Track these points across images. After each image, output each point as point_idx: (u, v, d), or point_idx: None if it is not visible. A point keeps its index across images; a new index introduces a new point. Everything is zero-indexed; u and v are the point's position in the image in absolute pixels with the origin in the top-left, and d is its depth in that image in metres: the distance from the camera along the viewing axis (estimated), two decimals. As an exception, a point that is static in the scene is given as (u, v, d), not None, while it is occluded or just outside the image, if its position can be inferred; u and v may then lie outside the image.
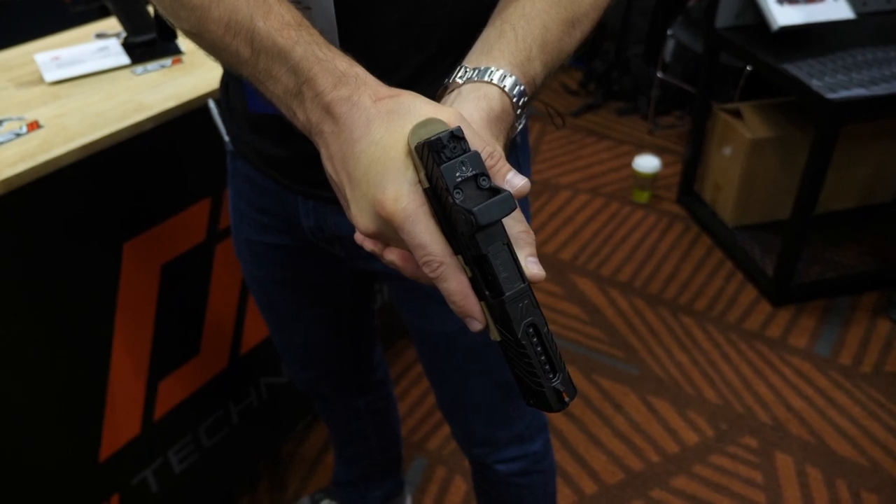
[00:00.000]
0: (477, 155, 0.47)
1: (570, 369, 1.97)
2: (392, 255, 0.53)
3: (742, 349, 2.03)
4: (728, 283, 2.28)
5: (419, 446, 1.78)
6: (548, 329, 0.49)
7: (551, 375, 0.49)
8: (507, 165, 0.52)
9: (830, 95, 1.78)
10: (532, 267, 0.50)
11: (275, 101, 0.56)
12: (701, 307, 2.19)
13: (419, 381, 1.95)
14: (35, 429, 1.15)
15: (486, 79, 0.57)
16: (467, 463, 1.60)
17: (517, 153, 0.86)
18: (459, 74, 0.59)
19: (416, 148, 0.48)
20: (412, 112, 0.50)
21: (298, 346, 1.15)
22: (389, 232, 0.50)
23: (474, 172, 0.47)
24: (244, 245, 0.99)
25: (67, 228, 1.10)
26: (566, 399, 0.49)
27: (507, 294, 0.48)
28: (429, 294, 0.89)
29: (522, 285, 0.48)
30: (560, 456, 1.74)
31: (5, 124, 1.11)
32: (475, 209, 0.45)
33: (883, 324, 2.09)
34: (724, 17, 2.19)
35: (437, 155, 0.46)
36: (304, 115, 0.53)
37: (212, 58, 0.59)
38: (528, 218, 0.92)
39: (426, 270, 0.49)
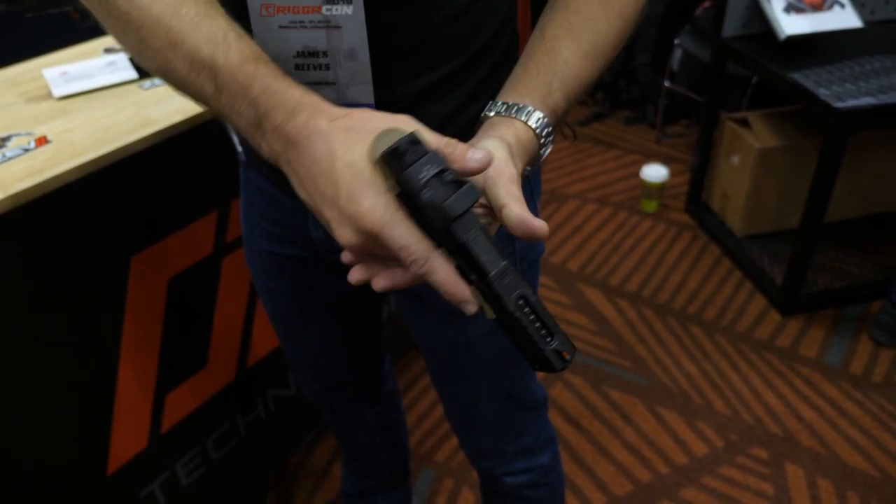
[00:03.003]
0: (435, 153, 0.51)
1: (578, 380, 1.97)
2: (382, 282, 0.56)
3: (752, 359, 2.02)
4: (737, 293, 2.27)
5: (427, 458, 1.77)
6: (537, 297, 0.52)
7: (549, 339, 0.52)
8: (462, 145, 0.54)
9: (838, 104, 1.78)
10: (532, 223, 0.53)
11: (242, 133, 0.58)
12: (710, 317, 2.18)
13: (427, 392, 1.95)
14: (42, 442, 1.15)
15: (513, 114, 0.64)
16: (475, 474, 1.59)
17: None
18: (491, 108, 0.65)
19: (379, 158, 0.51)
20: (368, 125, 0.53)
21: (308, 356, 1.15)
22: (372, 243, 0.52)
23: (437, 169, 0.50)
24: (255, 255, 0.99)
25: (75, 243, 1.10)
26: (567, 357, 0.53)
27: (491, 274, 0.51)
28: (435, 306, 0.89)
29: (504, 263, 0.52)
30: (568, 467, 1.73)
31: (14, 139, 1.11)
32: (444, 203, 0.49)
33: (894, 333, 2.07)
34: (731, 26, 2.19)
35: (400, 161, 0.50)
36: (267, 146, 0.56)
37: (180, 94, 0.61)
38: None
39: (414, 269, 0.52)
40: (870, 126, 2.19)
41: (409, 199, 0.51)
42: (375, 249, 0.53)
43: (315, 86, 0.67)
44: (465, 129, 0.75)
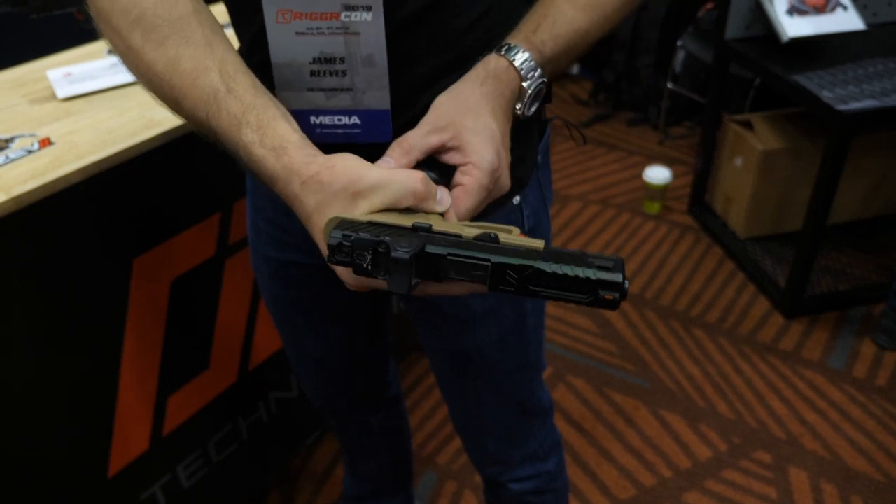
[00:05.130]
0: (364, 236, 0.53)
1: (581, 382, 1.97)
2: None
3: (755, 362, 2.02)
4: (740, 295, 2.27)
5: (429, 461, 1.77)
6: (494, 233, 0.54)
7: (592, 266, 0.52)
8: (434, 189, 0.58)
9: (841, 107, 1.77)
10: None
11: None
12: (713, 319, 2.18)
13: (429, 394, 1.95)
14: (44, 444, 1.15)
15: (493, 52, 0.68)
16: (478, 478, 1.59)
17: (538, 172, 0.86)
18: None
19: (329, 260, 0.55)
20: (332, 189, 0.57)
21: (313, 362, 1.14)
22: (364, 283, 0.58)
23: (371, 251, 0.52)
24: (261, 260, 0.99)
25: (78, 244, 1.10)
26: (612, 265, 0.52)
27: (493, 260, 0.52)
28: (444, 313, 0.89)
29: (463, 237, 0.54)
30: (571, 471, 1.73)
31: (17, 141, 1.11)
32: (393, 284, 0.52)
33: (897, 336, 2.07)
34: (734, 28, 2.19)
35: (343, 256, 0.53)
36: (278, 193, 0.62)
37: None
38: (549, 235, 0.93)
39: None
40: (872, 128, 2.19)
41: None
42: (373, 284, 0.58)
43: (331, 92, 0.68)
44: None
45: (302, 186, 0.57)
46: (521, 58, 0.67)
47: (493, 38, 0.72)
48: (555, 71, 0.72)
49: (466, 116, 0.63)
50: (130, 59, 0.63)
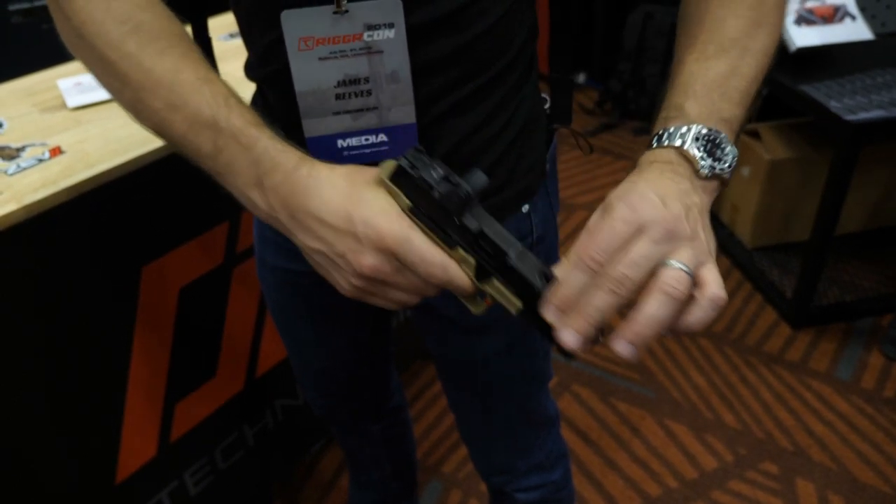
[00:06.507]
0: (438, 161, 0.55)
1: (586, 392, 1.97)
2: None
3: (762, 372, 2.01)
4: (747, 305, 2.26)
5: (434, 469, 1.77)
6: (552, 273, 0.54)
7: None
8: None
9: (849, 117, 1.77)
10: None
11: (235, 193, 0.63)
12: (719, 329, 2.17)
13: (434, 403, 1.95)
14: (51, 452, 1.15)
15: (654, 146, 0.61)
16: (483, 487, 1.58)
17: (546, 183, 0.86)
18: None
19: (390, 178, 0.56)
20: (362, 170, 0.58)
21: (317, 371, 1.15)
22: (390, 263, 0.56)
23: (443, 173, 0.54)
24: (268, 271, 0.99)
25: (87, 252, 1.11)
26: None
27: (510, 253, 0.54)
28: (452, 321, 0.89)
29: (519, 245, 0.55)
30: (576, 481, 1.72)
31: (28, 150, 1.12)
32: (462, 182, 0.53)
33: (905, 347, 2.06)
34: (742, 38, 2.18)
35: (409, 174, 0.55)
36: (265, 202, 0.60)
37: (175, 148, 0.64)
38: (556, 243, 0.93)
39: (435, 281, 0.56)
40: (881, 139, 2.18)
41: (421, 208, 0.55)
42: (390, 272, 0.57)
43: (357, 113, 0.68)
44: (484, 147, 0.75)
45: (332, 171, 0.58)
46: (663, 137, 0.60)
47: (507, 49, 0.73)
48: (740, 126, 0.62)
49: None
50: (123, 66, 0.62)
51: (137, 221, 1.17)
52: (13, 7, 1.28)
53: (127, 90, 0.63)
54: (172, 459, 1.36)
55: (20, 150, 1.12)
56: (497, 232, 0.55)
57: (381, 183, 0.57)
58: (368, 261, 0.56)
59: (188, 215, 1.25)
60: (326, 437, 1.78)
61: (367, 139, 0.71)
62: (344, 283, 0.60)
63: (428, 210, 0.55)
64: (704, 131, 0.58)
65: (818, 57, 2.07)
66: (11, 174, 1.05)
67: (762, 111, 2.59)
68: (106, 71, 0.63)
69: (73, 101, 1.27)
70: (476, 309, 0.60)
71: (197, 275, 1.29)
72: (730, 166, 0.59)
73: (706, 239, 0.56)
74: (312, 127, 0.70)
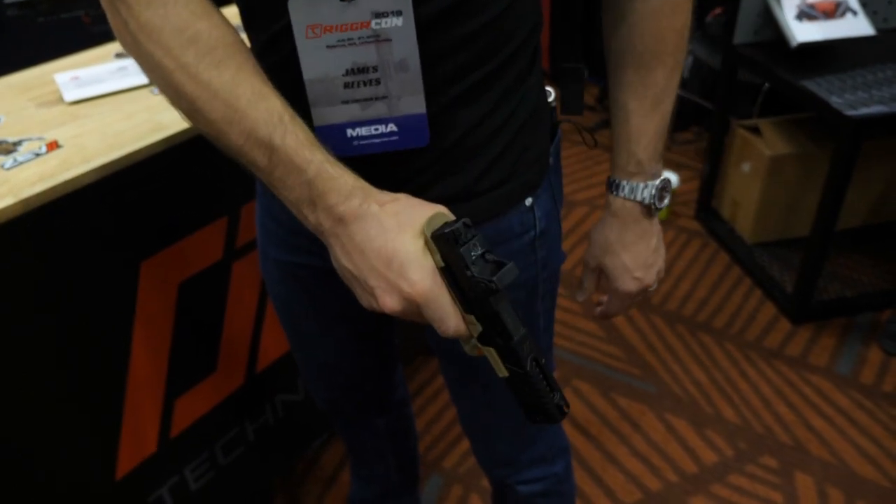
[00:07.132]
0: (482, 236, 0.59)
1: (587, 387, 1.97)
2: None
3: (761, 367, 2.01)
4: (747, 301, 2.26)
5: (435, 464, 1.77)
6: (544, 361, 0.62)
7: (552, 394, 0.62)
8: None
9: (850, 112, 1.77)
10: None
11: (287, 204, 0.64)
12: (719, 325, 2.17)
13: (435, 398, 1.95)
14: (52, 448, 1.15)
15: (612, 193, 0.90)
16: (484, 482, 1.59)
17: (550, 176, 0.86)
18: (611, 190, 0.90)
19: (433, 237, 0.59)
20: (413, 211, 0.61)
21: (320, 365, 1.15)
22: (412, 310, 0.61)
23: (482, 251, 0.59)
24: (271, 264, 0.99)
25: (85, 247, 1.10)
26: (566, 410, 0.63)
27: (515, 339, 0.60)
28: None
29: (524, 330, 0.61)
30: (577, 475, 1.72)
31: (25, 144, 1.12)
32: (495, 277, 0.57)
33: (905, 342, 2.06)
34: (743, 33, 2.18)
35: (455, 241, 0.58)
36: (315, 219, 0.62)
37: (231, 156, 0.66)
38: (559, 238, 0.95)
39: (442, 332, 0.61)
40: (882, 134, 2.18)
41: (452, 274, 0.59)
42: (408, 314, 0.61)
43: (366, 102, 0.68)
44: (489, 138, 0.75)
45: (382, 208, 0.60)
46: (621, 190, 0.89)
47: (511, 38, 0.72)
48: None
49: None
50: (178, 76, 0.62)
51: (136, 216, 1.16)
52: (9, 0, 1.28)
53: (183, 100, 0.63)
54: (173, 455, 1.36)
55: (17, 144, 1.12)
56: (510, 317, 0.59)
57: (423, 234, 0.60)
58: (394, 303, 0.60)
59: (187, 210, 1.25)
60: (328, 432, 1.78)
61: (376, 129, 0.70)
62: (365, 302, 0.63)
63: (457, 278, 0.59)
64: (659, 185, 0.87)
65: (819, 52, 2.06)
66: (8, 168, 1.05)
67: (763, 107, 2.59)
68: (163, 79, 0.63)
69: (69, 96, 1.26)
70: (467, 350, 0.65)
71: (196, 270, 1.29)
72: (669, 198, 0.89)
73: (662, 254, 0.94)
74: (322, 115, 0.69)
